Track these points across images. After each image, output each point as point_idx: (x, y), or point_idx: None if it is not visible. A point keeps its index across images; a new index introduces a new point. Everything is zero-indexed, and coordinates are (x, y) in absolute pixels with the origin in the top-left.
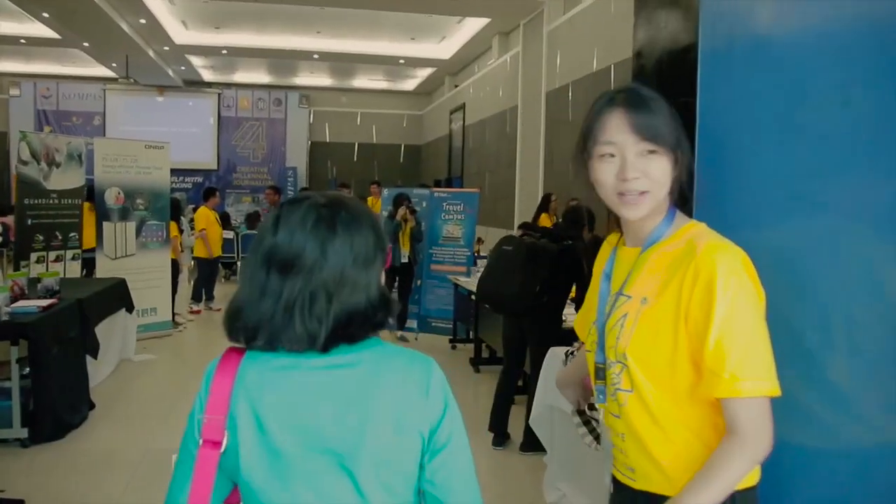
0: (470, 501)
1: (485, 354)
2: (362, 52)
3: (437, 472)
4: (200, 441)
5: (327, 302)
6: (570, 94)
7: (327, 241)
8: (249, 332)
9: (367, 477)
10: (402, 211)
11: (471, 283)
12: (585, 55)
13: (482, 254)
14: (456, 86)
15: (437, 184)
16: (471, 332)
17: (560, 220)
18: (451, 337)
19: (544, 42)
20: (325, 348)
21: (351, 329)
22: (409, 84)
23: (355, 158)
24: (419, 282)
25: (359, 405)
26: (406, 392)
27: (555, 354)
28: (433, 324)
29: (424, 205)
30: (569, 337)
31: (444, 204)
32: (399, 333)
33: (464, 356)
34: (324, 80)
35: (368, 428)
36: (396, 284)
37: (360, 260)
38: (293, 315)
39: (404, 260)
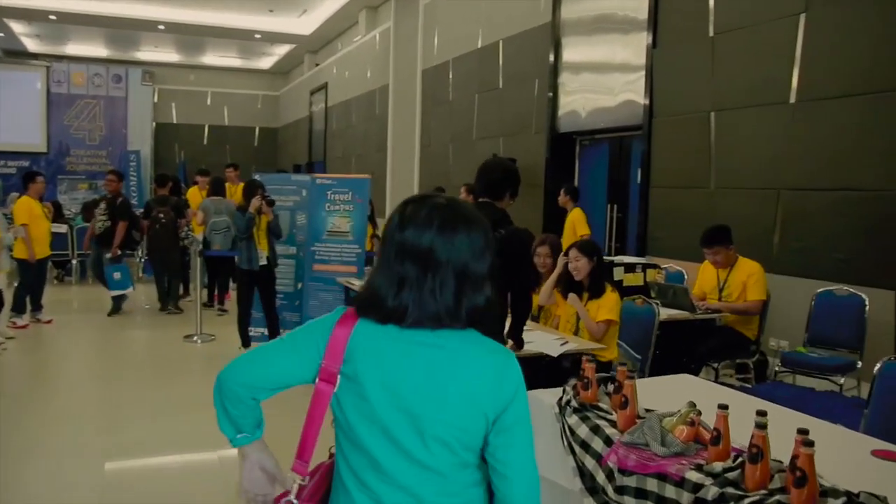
0: (527, 478)
1: None
2: (214, 23)
3: (499, 449)
4: (318, 380)
5: (453, 292)
6: (450, 72)
7: (452, 239)
8: (378, 311)
9: (435, 438)
10: (255, 202)
11: (360, 285)
12: (468, 30)
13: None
14: (317, 64)
15: (297, 169)
16: None
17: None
18: None
19: (420, 17)
20: (435, 329)
21: (459, 317)
22: (265, 62)
23: (206, 141)
24: (300, 285)
25: (439, 380)
26: (481, 378)
27: (540, 402)
28: None
29: (305, 193)
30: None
31: (329, 192)
32: None
33: None
34: (170, 56)
35: (445, 401)
36: (257, 294)
37: (477, 255)
38: (420, 300)
39: (262, 262)
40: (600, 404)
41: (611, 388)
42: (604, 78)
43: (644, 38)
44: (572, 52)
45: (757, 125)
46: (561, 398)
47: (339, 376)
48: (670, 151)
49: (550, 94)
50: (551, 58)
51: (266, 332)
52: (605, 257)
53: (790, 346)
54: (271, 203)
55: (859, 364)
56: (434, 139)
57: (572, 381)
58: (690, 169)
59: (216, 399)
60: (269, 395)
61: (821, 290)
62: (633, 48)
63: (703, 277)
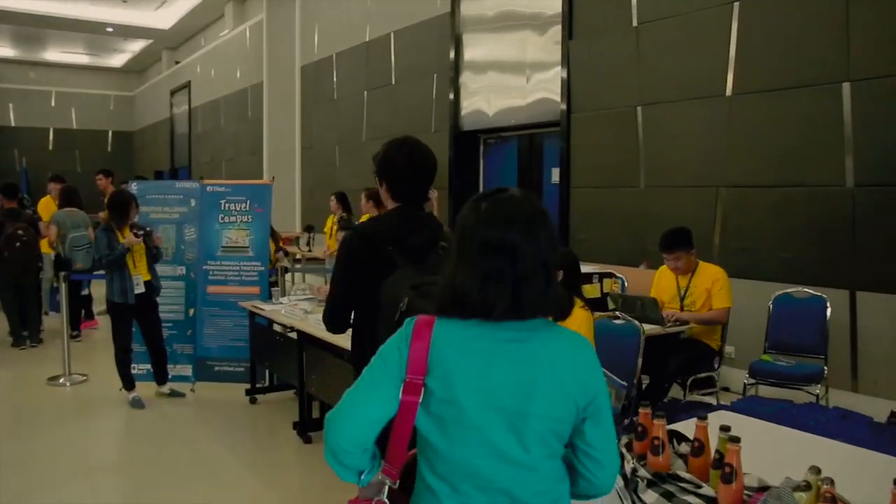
0: (615, 460)
1: (315, 413)
2: (57, 13)
3: (590, 434)
4: (402, 395)
5: (537, 285)
6: (334, 67)
7: (536, 234)
8: (464, 309)
9: (530, 433)
10: (130, 239)
11: (276, 310)
12: (354, 22)
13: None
14: (177, 62)
15: (159, 175)
16: (276, 378)
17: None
18: (248, 386)
19: (297, 9)
20: (521, 322)
21: (544, 308)
22: (117, 59)
23: (51, 147)
24: (192, 311)
25: (531, 373)
26: (569, 366)
27: None
28: (217, 368)
29: (194, 203)
30: None
31: (223, 202)
32: (164, 389)
33: (274, 415)
34: (5, 51)
35: (536, 393)
36: (141, 327)
37: (553, 248)
38: (507, 295)
39: (140, 289)
40: (678, 472)
41: (685, 447)
42: (513, 72)
43: (557, 32)
44: (476, 48)
45: (690, 120)
46: (622, 466)
47: (423, 388)
48: (593, 149)
49: (452, 90)
50: (452, 53)
51: (150, 368)
52: None
53: (737, 353)
54: (147, 235)
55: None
56: (317, 141)
57: (624, 439)
58: (617, 167)
59: (331, 461)
60: (376, 435)
61: (779, 292)
62: (546, 42)
63: (660, 285)
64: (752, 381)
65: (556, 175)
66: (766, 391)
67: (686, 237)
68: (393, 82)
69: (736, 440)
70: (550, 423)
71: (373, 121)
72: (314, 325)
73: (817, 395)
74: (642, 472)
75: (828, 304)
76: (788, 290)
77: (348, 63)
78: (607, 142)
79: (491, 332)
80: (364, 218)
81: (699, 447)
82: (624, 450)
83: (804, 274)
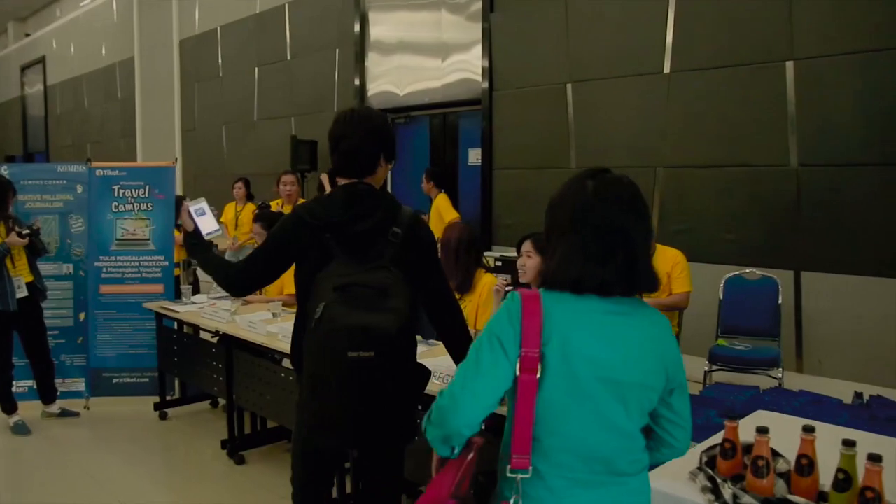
0: (690, 425)
1: (247, 428)
2: None
3: (677, 403)
4: (518, 371)
5: (642, 262)
6: (219, 42)
7: (642, 216)
8: (578, 285)
9: (634, 402)
10: (13, 238)
11: (194, 312)
12: None
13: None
14: (28, 34)
15: (11, 160)
16: (188, 388)
17: None
18: (157, 399)
19: None
20: (625, 296)
21: (648, 284)
22: None
23: None
24: (82, 315)
25: (636, 345)
26: (662, 339)
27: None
28: (116, 380)
29: (81, 189)
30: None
31: (117, 187)
32: (52, 409)
33: (192, 431)
34: None
35: (640, 365)
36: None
37: (651, 230)
38: (620, 272)
39: (22, 293)
40: (789, 497)
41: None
42: (427, 52)
43: (476, 5)
44: (384, 26)
45: (626, 98)
46: (710, 488)
47: (539, 361)
48: (517, 128)
49: (357, 71)
50: (357, 27)
51: (34, 384)
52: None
53: (685, 338)
54: (34, 234)
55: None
56: (201, 121)
57: (704, 457)
58: (545, 147)
59: (437, 443)
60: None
61: (730, 275)
62: (463, 17)
63: None
64: (713, 367)
65: (473, 156)
66: (720, 376)
67: None
68: (288, 58)
69: (877, 459)
70: (649, 392)
71: (266, 99)
72: (247, 327)
73: (780, 380)
74: (747, 498)
75: (780, 286)
76: (739, 272)
77: (235, 37)
78: (534, 121)
79: (599, 305)
80: (276, 205)
81: (808, 464)
82: (708, 470)
83: (749, 255)
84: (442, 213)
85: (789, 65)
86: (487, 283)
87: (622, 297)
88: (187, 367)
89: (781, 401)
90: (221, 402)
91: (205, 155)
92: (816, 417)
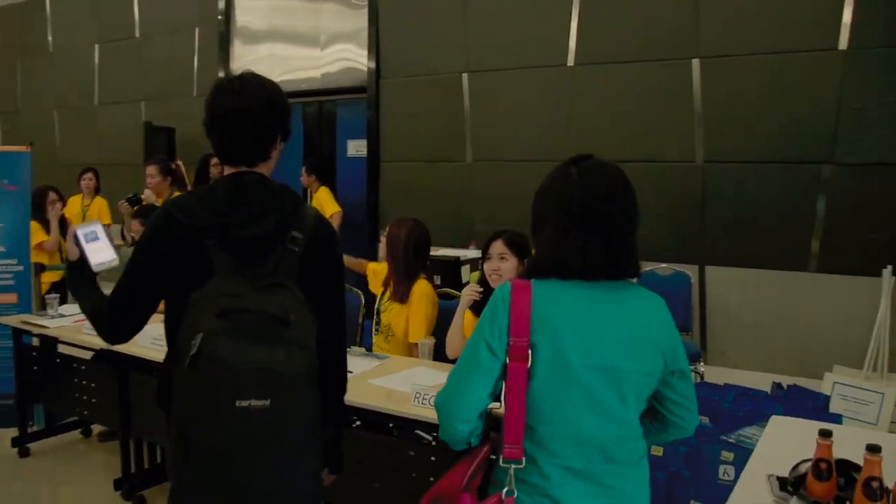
0: (695, 405)
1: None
2: None
3: (680, 386)
4: (508, 360)
5: (629, 247)
6: (48, 11)
7: (629, 201)
8: (565, 271)
9: (629, 389)
10: None
11: (60, 327)
12: None
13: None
14: None
15: None
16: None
17: None
18: (16, 431)
19: None
20: (613, 281)
21: (635, 269)
22: None
23: None
24: None
25: (629, 331)
26: (658, 323)
27: None
28: None
29: None
30: None
31: None
32: None
33: (66, 469)
34: None
35: (634, 350)
36: None
37: (637, 213)
38: (608, 257)
39: None
40: None
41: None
42: (301, 35)
43: None
44: (253, 6)
45: (527, 89)
46: None
47: (529, 350)
48: (407, 118)
49: (222, 51)
50: (221, 4)
51: None
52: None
53: None
54: None
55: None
56: (25, 104)
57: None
58: (438, 138)
59: (446, 439)
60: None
61: (644, 270)
62: (346, 4)
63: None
64: None
65: (353, 147)
66: None
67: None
68: (137, 35)
69: (875, 450)
70: (645, 378)
71: (110, 81)
72: (151, 345)
73: (702, 374)
74: None
75: (692, 280)
76: (652, 268)
77: (69, 8)
78: (426, 110)
79: (589, 292)
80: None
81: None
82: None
83: (655, 251)
84: (324, 207)
85: (696, 62)
86: (424, 292)
87: (611, 283)
88: (55, 392)
89: (713, 396)
90: (96, 429)
91: (34, 141)
92: (754, 412)
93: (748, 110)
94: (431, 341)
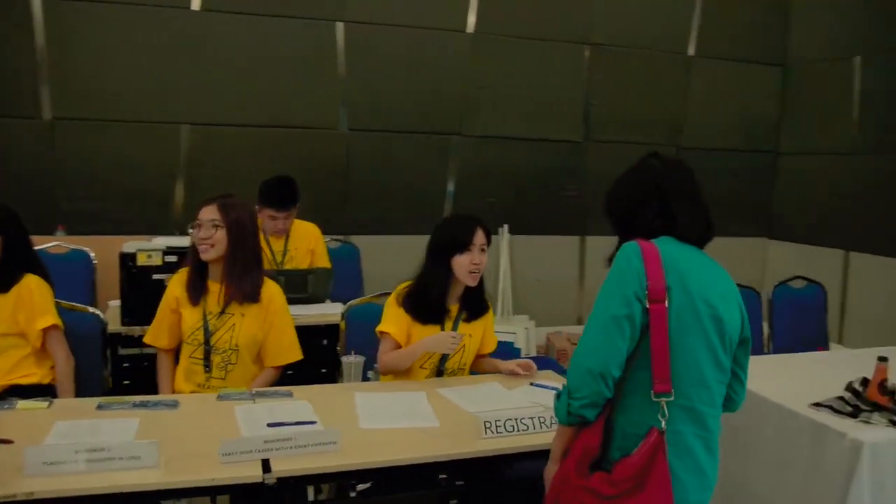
0: (747, 382)
1: None
2: None
3: (740, 355)
4: (648, 304)
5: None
6: None
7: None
8: (689, 233)
9: (728, 340)
10: None
11: None
12: None
13: None
14: None
15: None
16: None
17: None
18: None
19: None
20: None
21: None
22: None
23: None
24: None
25: (725, 287)
26: (736, 289)
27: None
28: None
29: None
30: None
31: None
32: None
33: None
34: None
35: (731, 307)
36: None
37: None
38: (707, 223)
39: None
40: None
41: None
42: None
43: None
44: None
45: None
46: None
47: (666, 291)
48: None
49: None
50: None
51: None
52: None
53: None
54: None
55: None
56: None
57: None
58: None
59: (589, 405)
60: None
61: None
62: None
63: None
64: None
65: None
66: None
67: (296, 188)
68: None
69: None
70: (735, 335)
71: None
72: None
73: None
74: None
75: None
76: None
77: None
78: None
79: (694, 252)
80: None
81: None
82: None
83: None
84: None
85: (340, 25)
86: (275, 293)
87: (699, 249)
88: None
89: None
90: None
91: None
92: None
93: (388, 81)
94: (360, 359)
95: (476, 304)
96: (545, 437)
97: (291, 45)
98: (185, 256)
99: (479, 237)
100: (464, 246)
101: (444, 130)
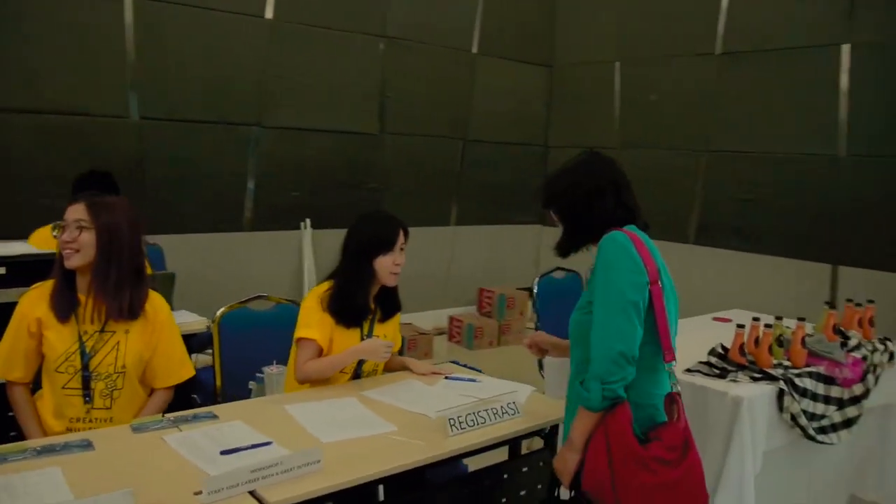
0: None
1: None
2: None
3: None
4: (650, 285)
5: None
6: None
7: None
8: (641, 222)
9: (675, 317)
10: None
11: None
12: None
13: None
14: None
15: None
16: None
17: None
18: None
19: None
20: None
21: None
22: None
23: None
24: None
25: (663, 264)
26: None
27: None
28: None
29: None
30: None
31: None
32: None
33: None
34: None
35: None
36: None
37: None
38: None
39: None
40: None
41: None
42: None
43: None
44: None
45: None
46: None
47: (658, 274)
48: None
49: None
50: None
51: None
52: None
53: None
54: None
55: None
56: None
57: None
58: None
59: (617, 388)
60: None
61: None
62: None
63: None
64: None
65: None
66: None
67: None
68: None
69: (832, 305)
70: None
71: None
72: None
73: None
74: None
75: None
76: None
77: None
78: None
79: (646, 236)
80: None
81: None
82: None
83: None
84: None
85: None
86: (159, 303)
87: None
88: None
89: None
90: None
91: None
92: None
93: (182, 68)
94: (282, 369)
95: (390, 303)
96: (504, 427)
97: (70, 17)
98: (15, 267)
99: (401, 237)
100: (388, 246)
101: (243, 121)
